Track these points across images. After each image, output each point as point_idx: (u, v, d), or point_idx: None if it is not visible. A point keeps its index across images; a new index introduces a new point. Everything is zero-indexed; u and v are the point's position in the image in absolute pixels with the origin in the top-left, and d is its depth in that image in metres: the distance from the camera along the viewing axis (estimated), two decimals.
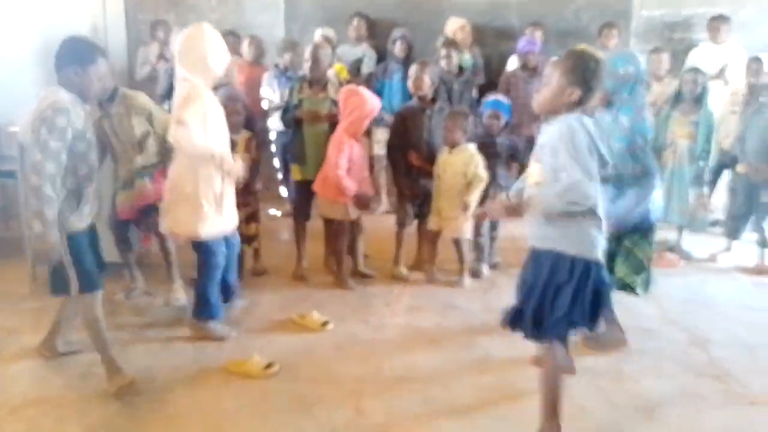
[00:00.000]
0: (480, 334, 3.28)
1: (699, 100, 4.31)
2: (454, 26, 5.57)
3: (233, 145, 3.63)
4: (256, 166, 3.88)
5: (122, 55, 6.27)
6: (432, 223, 3.92)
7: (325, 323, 3.31)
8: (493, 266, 4.20)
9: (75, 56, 2.50)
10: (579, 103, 2.15)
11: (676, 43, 5.79)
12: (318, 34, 5.45)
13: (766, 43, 5.62)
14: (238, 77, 4.62)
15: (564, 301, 2.16)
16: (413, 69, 3.97)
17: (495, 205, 2.46)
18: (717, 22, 5.43)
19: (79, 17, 5.46)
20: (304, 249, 4.07)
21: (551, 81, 2.17)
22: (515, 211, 2.26)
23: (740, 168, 4.41)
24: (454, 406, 2.63)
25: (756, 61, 4.92)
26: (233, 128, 3.53)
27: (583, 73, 2.12)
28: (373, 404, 2.65)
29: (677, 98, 4.40)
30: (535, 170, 2.24)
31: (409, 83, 4.00)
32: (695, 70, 4.38)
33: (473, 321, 3.47)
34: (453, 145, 3.77)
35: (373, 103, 3.71)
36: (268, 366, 2.85)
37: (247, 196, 3.67)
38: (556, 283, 2.18)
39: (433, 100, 4.05)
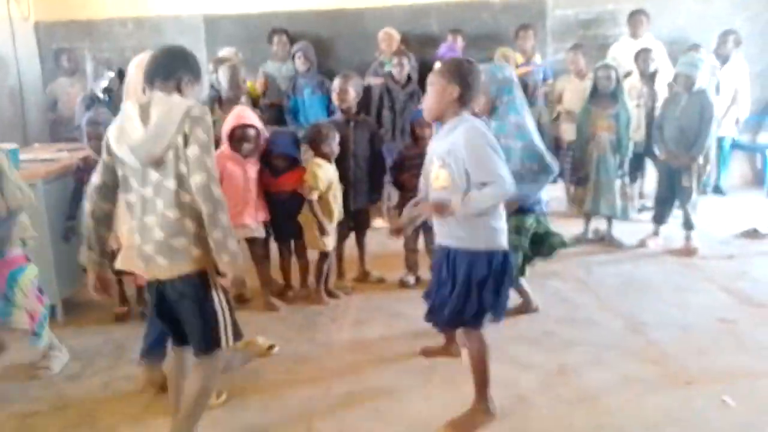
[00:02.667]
0: (425, 340, 3.30)
1: (614, 94, 4.49)
2: (381, 34, 5.65)
3: None
4: None
5: (37, 88, 6.05)
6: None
7: (270, 347, 3.25)
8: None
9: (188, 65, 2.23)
10: (462, 102, 2.32)
11: (589, 39, 6.02)
12: (229, 51, 5.41)
13: (669, 34, 5.93)
14: None
15: (488, 294, 2.37)
16: (337, 82, 3.98)
17: (423, 206, 2.49)
18: (638, 15, 5.67)
19: None
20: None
21: (432, 87, 2.34)
22: (445, 209, 2.32)
23: (660, 155, 4.62)
24: (405, 417, 2.63)
25: (644, 51, 5.17)
26: (98, 151, 3.49)
27: (458, 72, 2.31)
28: (325, 424, 2.62)
29: (593, 93, 4.57)
30: (442, 175, 2.34)
31: (334, 96, 4.00)
32: (607, 66, 4.57)
33: (418, 328, 3.47)
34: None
35: (229, 121, 3.59)
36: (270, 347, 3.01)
37: None
38: (478, 279, 2.36)
39: (358, 112, 4.07)
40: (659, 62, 5.30)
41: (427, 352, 3.12)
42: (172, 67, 2.15)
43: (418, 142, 3.95)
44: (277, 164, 3.72)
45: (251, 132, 3.55)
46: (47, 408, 2.82)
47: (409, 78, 5.16)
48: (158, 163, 2.05)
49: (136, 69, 2.71)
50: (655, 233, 4.74)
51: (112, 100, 4.88)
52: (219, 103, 4.05)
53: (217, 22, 6.11)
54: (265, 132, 3.71)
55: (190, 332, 2.19)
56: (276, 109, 5.39)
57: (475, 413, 2.52)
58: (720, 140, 5.83)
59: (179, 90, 2.14)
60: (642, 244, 4.71)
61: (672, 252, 4.56)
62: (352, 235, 4.17)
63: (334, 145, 3.71)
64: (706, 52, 5.42)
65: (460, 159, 2.27)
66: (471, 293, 2.37)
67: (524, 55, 5.57)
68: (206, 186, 2.01)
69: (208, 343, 2.17)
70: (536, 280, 3.86)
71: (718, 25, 5.86)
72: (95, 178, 2.21)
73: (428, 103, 2.38)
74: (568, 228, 5.02)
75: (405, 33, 5.84)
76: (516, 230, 3.17)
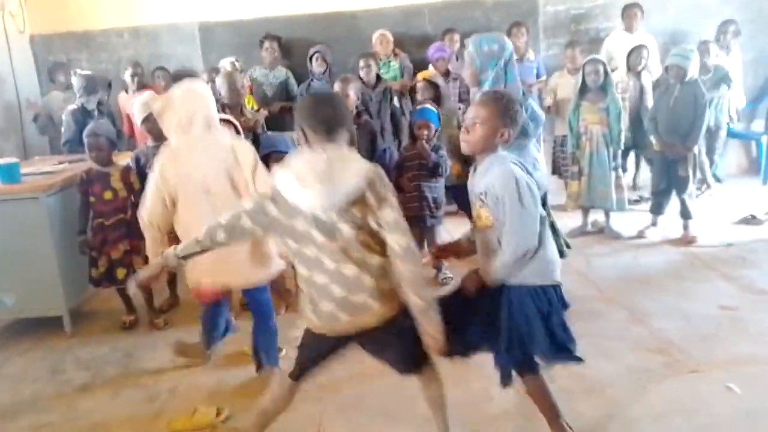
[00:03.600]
0: None
1: (604, 87, 4.53)
2: (375, 37, 5.69)
3: (107, 178, 3.63)
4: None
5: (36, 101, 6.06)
6: None
7: (218, 413, 2.95)
8: None
9: None
10: (508, 141, 2.26)
11: (582, 34, 6.07)
12: (227, 62, 5.45)
13: (662, 27, 5.97)
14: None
15: (557, 329, 2.29)
16: (337, 85, 4.02)
17: (466, 284, 2.33)
18: (633, 8, 5.69)
19: None
20: None
21: (482, 123, 2.22)
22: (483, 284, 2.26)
23: (655, 146, 4.65)
24: (415, 417, 2.65)
25: (639, 48, 5.21)
26: (100, 162, 3.63)
27: (512, 114, 2.24)
28: (335, 426, 2.65)
29: (582, 88, 4.61)
30: (483, 214, 2.25)
31: None
32: (594, 60, 4.59)
33: None
34: None
35: None
36: (218, 413, 2.75)
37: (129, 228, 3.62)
38: (540, 315, 2.26)
39: (358, 114, 4.11)
40: (651, 58, 5.34)
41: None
42: (346, 118, 2.15)
43: (416, 144, 3.98)
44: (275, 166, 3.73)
45: (230, 130, 3.55)
46: (58, 419, 2.85)
47: (378, 78, 5.19)
48: (348, 214, 2.00)
49: (182, 101, 2.74)
50: (654, 224, 4.77)
51: (102, 113, 4.91)
52: (221, 109, 4.06)
53: (213, 30, 6.14)
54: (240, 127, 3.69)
55: (400, 364, 2.26)
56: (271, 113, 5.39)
57: None
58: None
59: (350, 144, 2.11)
60: (641, 234, 4.74)
61: (671, 242, 4.59)
62: None
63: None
64: (710, 44, 5.47)
65: (498, 199, 2.18)
66: (533, 330, 2.26)
67: (517, 52, 5.58)
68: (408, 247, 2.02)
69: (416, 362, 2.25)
70: None
71: (710, 16, 5.89)
72: (248, 204, 2.11)
73: (475, 140, 2.25)
74: (566, 221, 5.06)
75: (399, 34, 5.87)
76: None
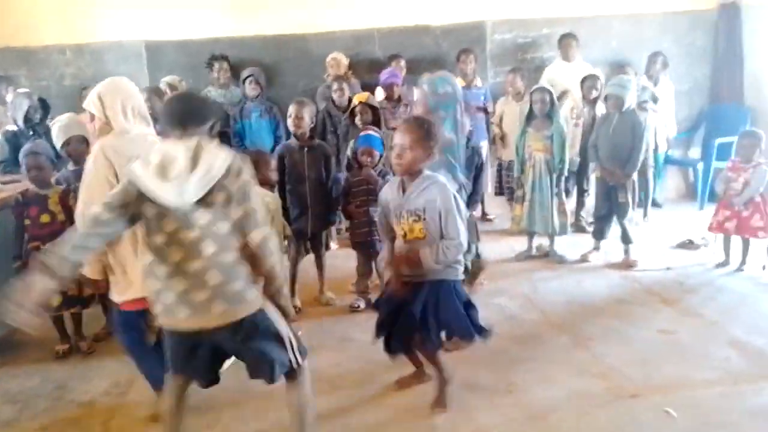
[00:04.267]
0: (377, 366, 3.28)
1: (549, 115, 4.64)
2: (327, 60, 5.70)
3: (44, 200, 3.51)
4: None
5: None
6: None
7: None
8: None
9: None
10: (432, 160, 2.65)
11: (528, 62, 6.22)
12: (163, 82, 5.37)
13: (602, 56, 6.19)
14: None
15: (460, 314, 2.71)
16: (292, 108, 4.00)
17: (396, 262, 2.73)
18: (568, 39, 5.88)
19: None
20: None
21: (410, 147, 2.57)
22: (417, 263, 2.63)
23: (597, 173, 4.78)
24: None
25: (591, 78, 5.36)
26: (39, 184, 3.54)
27: (434, 136, 2.62)
28: None
29: (529, 115, 4.71)
30: (416, 228, 2.61)
31: (289, 122, 4.03)
32: (542, 89, 4.70)
33: (370, 352, 3.46)
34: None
35: None
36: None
37: None
38: (461, 299, 2.73)
39: (311, 137, 4.09)
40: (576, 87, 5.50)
41: (402, 383, 3.08)
42: (204, 113, 2.17)
43: (362, 170, 3.98)
44: None
45: None
46: None
47: (350, 102, 5.21)
48: (207, 205, 2.01)
49: (112, 96, 2.69)
50: (596, 248, 4.88)
51: (37, 132, 4.74)
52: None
53: (160, 48, 6.02)
54: None
55: (259, 366, 2.19)
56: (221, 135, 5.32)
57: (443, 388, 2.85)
58: (655, 155, 6.09)
59: (210, 137, 2.14)
60: (584, 259, 4.84)
61: (613, 266, 4.70)
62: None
63: (274, 174, 3.70)
64: (636, 74, 5.68)
65: (437, 214, 2.57)
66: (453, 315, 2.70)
67: (465, 79, 5.70)
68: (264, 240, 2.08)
69: (287, 367, 2.23)
70: (482, 297, 3.91)
71: (649, 47, 6.13)
72: (105, 209, 2.02)
73: (407, 163, 2.59)
74: (512, 245, 5.15)
75: (350, 57, 5.89)
76: None
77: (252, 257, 2.10)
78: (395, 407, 2.91)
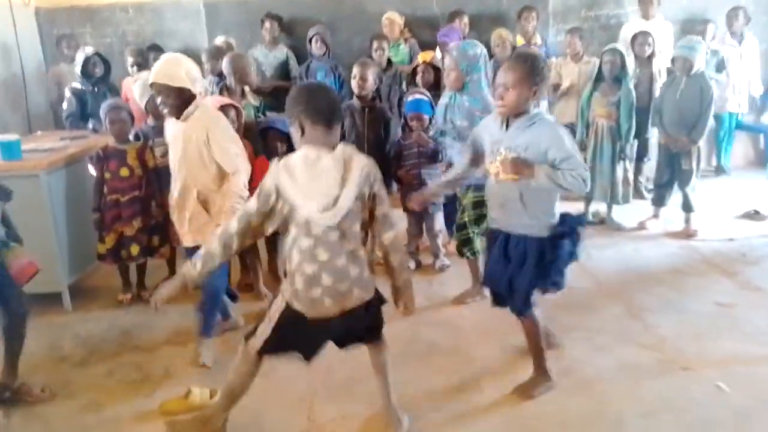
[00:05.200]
0: (424, 326, 3.34)
1: (618, 79, 4.46)
2: (383, 20, 5.63)
3: (123, 155, 3.64)
4: (156, 174, 3.74)
5: (39, 75, 6.05)
6: None
7: (212, 394, 2.93)
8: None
9: None
10: (537, 97, 2.47)
11: (593, 21, 5.98)
12: (220, 40, 5.41)
13: (680, 13, 5.87)
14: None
15: (558, 274, 2.57)
16: (356, 69, 3.99)
17: (505, 160, 2.48)
18: None
19: None
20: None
21: (513, 86, 2.40)
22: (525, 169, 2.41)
23: (660, 138, 4.61)
24: (406, 402, 2.66)
25: (642, 34, 5.10)
26: (121, 136, 3.66)
27: (539, 71, 2.42)
28: (325, 409, 2.67)
29: (598, 77, 4.55)
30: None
31: (353, 83, 4.02)
32: (613, 51, 4.51)
33: (417, 313, 3.51)
34: None
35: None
36: (211, 395, 2.75)
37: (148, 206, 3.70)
38: (547, 262, 2.54)
39: (374, 98, 4.09)
40: (660, 45, 5.24)
41: (457, 300, 3.44)
42: (341, 111, 2.25)
43: (411, 134, 3.96)
44: (275, 146, 3.72)
45: (231, 113, 3.54)
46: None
47: (389, 62, 5.15)
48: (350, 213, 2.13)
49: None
50: (655, 216, 4.75)
51: (99, 88, 4.90)
52: (226, 92, 4.04)
53: (217, 7, 6.07)
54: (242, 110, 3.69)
55: (368, 333, 2.43)
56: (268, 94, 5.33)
57: (537, 379, 2.73)
58: (728, 117, 5.84)
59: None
60: (641, 226, 4.72)
61: (672, 234, 4.57)
62: None
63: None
64: (714, 37, 5.39)
65: (539, 153, 2.40)
66: (542, 274, 2.56)
67: (525, 36, 5.54)
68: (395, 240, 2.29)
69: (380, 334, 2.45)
70: None
71: (729, 3, 5.77)
72: (252, 204, 2.17)
73: (511, 103, 2.43)
74: (567, 210, 5.03)
75: (407, 15, 5.80)
76: (474, 206, 3.34)
77: (384, 255, 2.31)
78: (441, 368, 2.96)
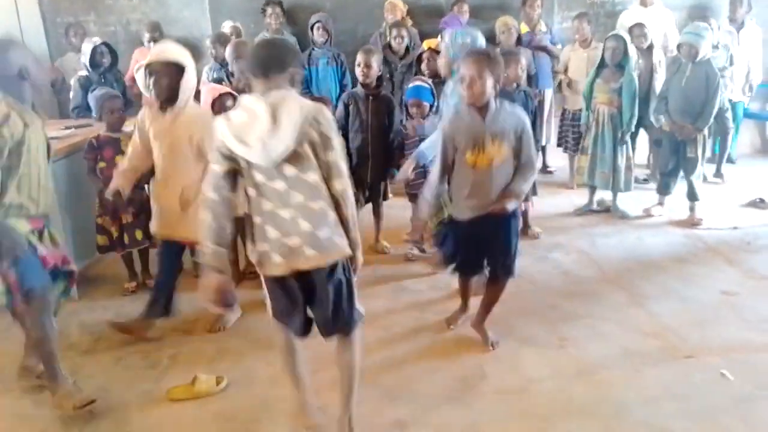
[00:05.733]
0: (430, 314, 3.36)
1: (621, 66, 4.44)
2: (386, 4, 5.60)
3: (117, 143, 3.66)
4: None
5: (43, 63, 6.04)
6: None
7: (219, 381, 2.96)
8: None
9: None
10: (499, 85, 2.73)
11: (597, 7, 5.93)
12: (228, 26, 5.39)
13: (681, 3, 5.82)
14: None
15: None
16: (360, 56, 3.97)
17: (500, 205, 2.76)
18: None
19: None
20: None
21: (479, 77, 2.63)
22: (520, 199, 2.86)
23: (665, 126, 4.58)
24: (412, 392, 2.69)
25: (638, 26, 5.04)
26: (115, 125, 3.69)
27: (498, 62, 2.70)
28: (332, 396, 2.68)
29: (601, 64, 4.52)
30: (504, 150, 2.71)
31: (357, 71, 4.00)
32: (616, 37, 4.49)
33: (422, 300, 3.54)
34: None
35: (206, 96, 3.60)
36: (218, 382, 2.80)
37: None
38: (515, 232, 2.91)
39: (378, 86, 4.08)
40: (660, 33, 5.20)
41: (450, 321, 3.25)
42: (287, 60, 2.12)
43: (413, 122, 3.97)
44: None
45: (229, 101, 3.54)
46: None
47: (407, 49, 5.13)
48: (293, 157, 2.04)
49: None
50: (660, 204, 4.74)
51: (107, 78, 4.90)
52: (229, 79, 4.06)
53: None
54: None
55: (332, 316, 2.23)
56: None
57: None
58: (734, 106, 5.80)
59: (292, 85, 2.12)
60: (647, 213, 4.71)
61: (676, 223, 4.57)
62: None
63: None
64: (716, 20, 5.34)
65: (515, 136, 2.72)
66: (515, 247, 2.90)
67: (529, 24, 5.51)
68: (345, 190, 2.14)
69: (353, 322, 2.28)
70: (539, 252, 3.90)
71: None
72: (216, 166, 2.08)
73: (479, 93, 2.65)
74: (572, 198, 5.06)
75: (410, 3, 5.76)
76: None
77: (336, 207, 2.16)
78: (445, 354, 2.98)
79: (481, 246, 2.89)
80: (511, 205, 2.72)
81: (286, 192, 2.07)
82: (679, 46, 4.45)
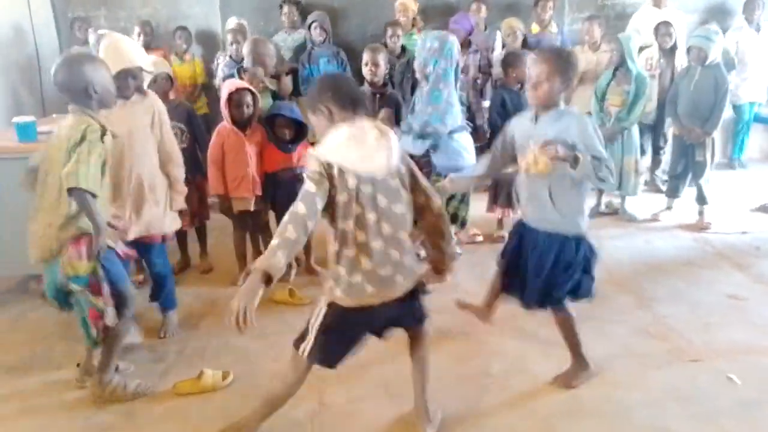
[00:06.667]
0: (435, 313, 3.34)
1: (628, 68, 4.43)
2: (396, 5, 5.59)
3: None
4: None
5: (54, 57, 6.06)
6: None
7: (225, 376, 2.90)
8: None
9: None
10: (567, 92, 2.55)
11: (609, 9, 5.91)
12: (233, 22, 5.40)
13: (695, 4, 5.79)
14: None
15: (574, 275, 2.56)
16: (367, 55, 3.99)
17: (546, 146, 2.41)
18: None
19: None
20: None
21: (546, 79, 2.43)
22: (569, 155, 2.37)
23: (674, 130, 4.57)
24: (413, 389, 2.68)
25: (665, 24, 5.03)
26: None
27: (571, 65, 2.49)
28: (335, 395, 2.70)
29: (616, 67, 4.52)
30: (542, 159, 2.36)
31: (365, 70, 4.01)
32: (614, 39, 4.53)
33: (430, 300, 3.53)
34: None
35: (225, 89, 3.63)
36: (224, 377, 2.81)
37: None
38: (566, 261, 2.53)
39: (384, 84, 4.08)
40: (679, 33, 5.19)
41: (462, 305, 3.14)
42: (364, 97, 2.28)
43: None
44: (284, 134, 3.73)
45: (248, 97, 3.57)
46: (68, 376, 2.92)
47: (403, 49, 5.13)
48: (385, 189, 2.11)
49: None
50: (669, 207, 4.73)
51: None
52: (244, 75, 4.05)
53: None
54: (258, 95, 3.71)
55: (415, 322, 2.39)
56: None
57: (576, 368, 2.74)
58: (743, 108, 5.78)
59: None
60: (655, 218, 4.70)
61: (685, 227, 4.55)
62: None
63: None
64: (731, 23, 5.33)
65: (567, 147, 2.35)
66: (557, 274, 2.55)
67: (541, 25, 5.49)
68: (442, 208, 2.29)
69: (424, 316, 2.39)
70: None
71: None
72: (313, 187, 2.03)
73: (543, 95, 2.45)
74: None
75: (423, 4, 5.75)
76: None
77: (434, 223, 2.27)
78: (451, 353, 2.97)
79: (518, 259, 2.69)
80: None
81: (376, 225, 2.10)
82: (688, 50, 4.44)
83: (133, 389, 2.72)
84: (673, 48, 5.02)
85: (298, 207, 2.01)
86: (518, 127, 2.62)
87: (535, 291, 2.60)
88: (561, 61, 2.45)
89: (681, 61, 5.06)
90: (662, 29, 5.03)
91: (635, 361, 2.86)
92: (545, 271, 2.55)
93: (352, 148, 2.06)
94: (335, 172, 2.05)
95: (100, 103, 2.55)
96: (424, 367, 2.45)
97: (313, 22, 5.31)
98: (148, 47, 5.26)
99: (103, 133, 2.49)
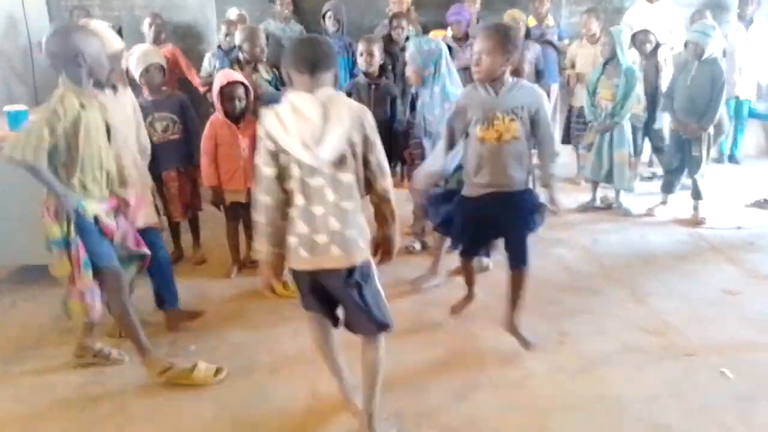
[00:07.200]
0: (429, 305, 3.35)
1: (620, 61, 4.43)
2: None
3: None
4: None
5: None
6: None
7: (218, 371, 2.86)
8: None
9: None
10: (511, 66, 2.69)
11: (605, 3, 5.90)
12: (234, 13, 5.36)
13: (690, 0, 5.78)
14: None
15: (535, 219, 2.83)
16: (362, 45, 3.96)
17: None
18: None
19: None
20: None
21: (487, 54, 2.61)
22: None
23: (671, 125, 4.56)
24: (407, 384, 2.69)
25: (643, 33, 4.93)
26: None
27: (511, 40, 2.63)
28: (329, 390, 2.68)
29: (606, 61, 4.50)
30: (513, 127, 2.67)
31: (360, 60, 3.99)
32: (607, 32, 4.52)
33: (422, 293, 3.53)
34: None
35: (217, 82, 3.59)
36: (217, 372, 2.79)
37: None
38: (527, 209, 2.81)
39: (379, 75, 4.06)
40: (666, 29, 5.15)
41: (455, 309, 3.24)
42: (333, 58, 2.11)
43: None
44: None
45: (240, 90, 3.54)
46: (61, 365, 2.90)
47: (407, 40, 5.11)
48: (337, 159, 2.04)
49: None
50: (664, 202, 4.72)
51: None
52: (237, 65, 4.04)
53: None
54: (251, 88, 3.67)
55: (358, 317, 2.22)
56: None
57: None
58: (739, 105, 5.77)
59: (333, 84, 2.11)
60: (650, 213, 4.69)
61: (680, 221, 4.55)
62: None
63: None
64: (725, 17, 5.31)
65: (528, 114, 2.67)
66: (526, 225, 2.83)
67: (537, 18, 5.47)
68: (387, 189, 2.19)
69: (375, 327, 2.23)
70: (541, 248, 3.88)
71: None
72: (267, 169, 2.07)
73: (484, 69, 2.64)
74: (575, 195, 5.03)
75: None
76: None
77: (376, 204, 2.22)
78: (446, 347, 2.97)
79: (488, 225, 2.82)
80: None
81: (320, 189, 2.06)
82: (685, 44, 4.42)
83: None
84: (654, 50, 4.95)
85: (260, 194, 2.10)
86: (475, 101, 2.73)
87: (518, 251, 2.81)
88: (500, 36, 2.61)
89: (663, 57, 5.02)
90: (640, 37, 4.92)
91: (630, 356, 2.86)
92: (519, 222, 2.79)
93: (286, 127, 2.00)
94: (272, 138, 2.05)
95: (90, 74, 2.53)
96: (369, 381, 2.29)
97: (327, 11, 5.26)
98: (158, 39, 5.22)
99: (82, 106, 2.47)
